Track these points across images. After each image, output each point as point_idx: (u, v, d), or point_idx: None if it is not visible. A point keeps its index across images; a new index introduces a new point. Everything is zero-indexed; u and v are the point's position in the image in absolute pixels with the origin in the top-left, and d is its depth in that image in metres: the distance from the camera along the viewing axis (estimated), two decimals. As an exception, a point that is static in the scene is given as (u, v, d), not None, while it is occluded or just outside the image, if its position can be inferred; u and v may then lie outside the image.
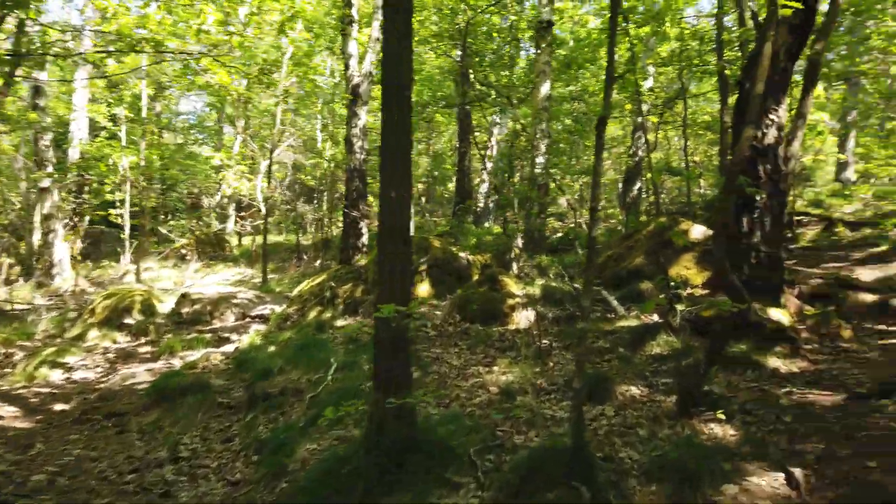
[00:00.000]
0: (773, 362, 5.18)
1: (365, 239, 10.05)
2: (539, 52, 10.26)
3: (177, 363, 7.81)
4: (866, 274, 8.49)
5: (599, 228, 16.52)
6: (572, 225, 15.42)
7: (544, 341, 6.45)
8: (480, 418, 4.56)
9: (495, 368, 5.73)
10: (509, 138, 14.95)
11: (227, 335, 9.01)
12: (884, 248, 10.09)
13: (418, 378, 5.62)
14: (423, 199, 22.65)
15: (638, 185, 15.97)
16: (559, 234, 13.50)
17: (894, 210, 15.03)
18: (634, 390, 4.89)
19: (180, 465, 4.84)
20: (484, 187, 20.79)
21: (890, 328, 6.39)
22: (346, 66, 10.05)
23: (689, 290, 7.61)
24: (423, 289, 8.57)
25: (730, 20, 13.58)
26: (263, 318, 9.58)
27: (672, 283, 7.49)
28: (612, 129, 19.21)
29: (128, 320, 9.61)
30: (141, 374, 7.30)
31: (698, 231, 8.10)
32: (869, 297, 6.78)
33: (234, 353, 7.64)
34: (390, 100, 3.86)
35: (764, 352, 5.39)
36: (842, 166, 23.19)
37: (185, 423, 5.62)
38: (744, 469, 3.40)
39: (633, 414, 4.36)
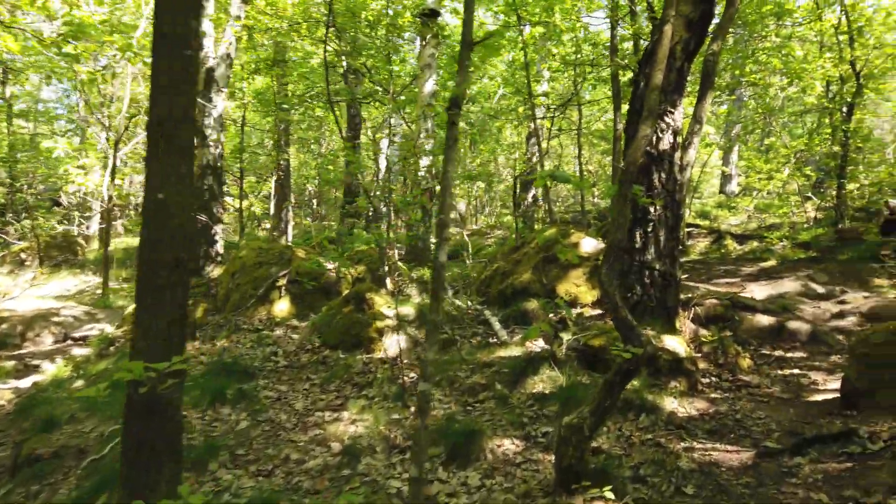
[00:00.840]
0: (670, 403, 4.40)
1: (220, 247, 8.66)
2: (424, 43, 9.30)
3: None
4: (759, 291, 8.11)
5: (491, 238, 15.78)
6: (469, 234, 14.58)
7: (411, 375, 5.42)
8: (307, 495, 3.44)
9: (345, 414, 4.62)
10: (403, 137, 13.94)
11: (37, 362, 7.34)
12: (772, 262, 9.89)
13: (243, 430, 4.42)
14: (315, 202, 21.20)
15: (532, 192, 15.40)
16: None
17: (777, 223, 15.33)
18: (509, 445, 3.95)
19: None
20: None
21: (787, 354, 5.87)
22: (199, 47, 8.66)
23: (578, 310, 6.86)
24: (282, 307, 7.32)
25: (626, 27, 13.27)
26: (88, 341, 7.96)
27: (560, 303, 6.72)
28: (507, 135, 18.65)
29: None
30: None
31: (589, 244, 7.38)
32: (765, 320, 6.27)
33: (28, 389, 6.07)
34: (163, 55, 2.68)
35: (659, 390, 4.62)
36: (726, 179, 23.95)
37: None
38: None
39: (502, 486, 3.38)
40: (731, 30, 15.03)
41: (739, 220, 17.11)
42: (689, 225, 12.72)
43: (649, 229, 5.71)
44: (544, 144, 18.10)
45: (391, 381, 5.10)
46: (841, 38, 12.40)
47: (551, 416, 4.38)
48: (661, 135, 5.77)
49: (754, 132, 20.18)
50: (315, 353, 6.23)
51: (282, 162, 12.58)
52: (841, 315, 6.94)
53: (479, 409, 4.61)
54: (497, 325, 6.30)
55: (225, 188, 17.50)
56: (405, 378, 5.36)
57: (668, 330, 5.51)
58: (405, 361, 5.95)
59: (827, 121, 13.45)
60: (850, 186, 12.53)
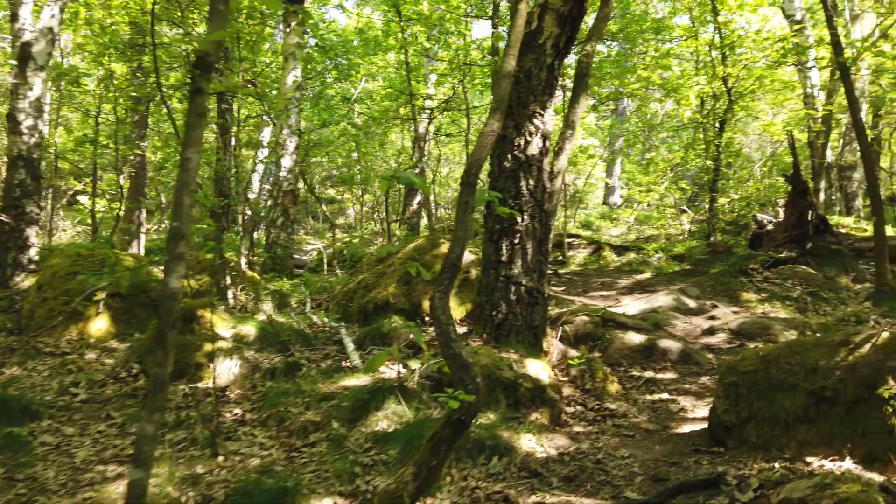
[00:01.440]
0: (527, 443, 3.83)
1: (33, 252, 7.32)
2: (288, 31, 8.42)
3: None
4: (633, 305, 7.88)
5: (374, 247, 15.02)
6: (339, 242, 13.73)
7: (236, 411, 4.56)
8: None
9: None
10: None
11: None
12: (648, 274, 9.80)
13: (-14, 498, 3.38)
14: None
15: (418, 198, 14.81)
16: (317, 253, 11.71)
17: (655, 234, 15.64)
18: (330, 506, 3.20)
19: None
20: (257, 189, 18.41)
21: (658, 375, 5.53)
22: (14, 17, 7.31)
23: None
24: (99, 325, 6.19)
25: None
26: None
27: (412, 326, 6.08)
28: (392, 138, 17.99)
29: None
30: None
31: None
32: (636, 338, 5.92)
33: None
34: None
35: (518, 425, 4.05)
36: (609, 190, 24.57)
37: None
38: None
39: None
40: (614, 43, 15.23)
41: (620, 232, 17.40)
42: (570, 235, 12.58)
43: (516, 241, 5.18)
44: (435, 150, 17.62)
45: (205, 422, 4.20)
46: (714, 54, 12.75)
47: (391, 462, 3.68)
48: (529, 138, 5.26)
49: (636, 145, 20.73)
50: (128, 382, 5.20)
51: (134, 157, 11.18)
52: (711, 331, 6.77)
53: (307, 456, 3.83)
54: (350, 347, 5.55)
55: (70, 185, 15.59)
56: (227, 415, 4.49)
57: (534, 352, 5.00)
58: (237, 392, 5.08)
59: (701, 136, 13.82)
60: (722, 200, 12.89)
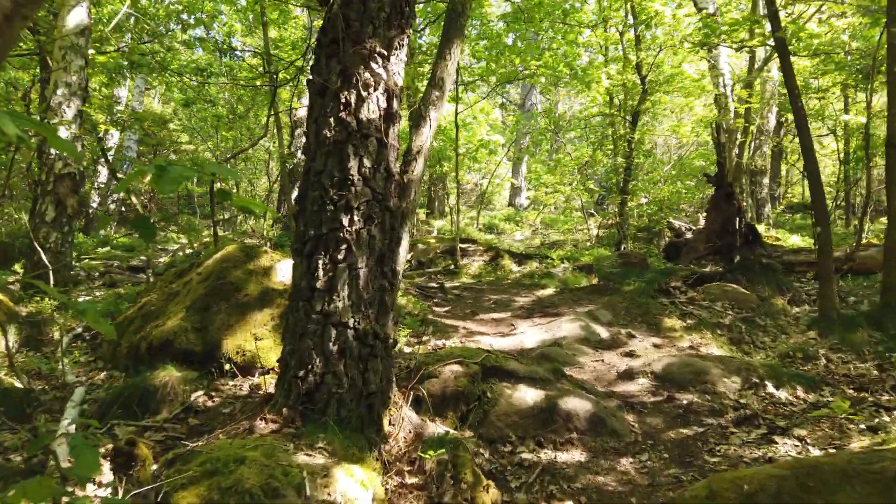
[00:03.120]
0: None
1: None
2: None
3: None
4: (531, 333, 6.12)
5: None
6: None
7: None
8: None
9: None
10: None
11: None
12: (551, 290, 8.13)
13: None
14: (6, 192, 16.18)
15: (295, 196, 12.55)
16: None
17: (561, 240, 14.15)
18: None
19: None
20: (104, 175, 15.51)
21: (560, 455, 3.73)
22: None
23: (255, 377, 4.19)
24: None
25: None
26: None
27: (216, 372, 4.04)
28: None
29: None
30: None
31: (288, 268, 4.75)
32: (530, 396, 4.09)
33: None
34: None
35: None
36: (515, 191, 23.19)
37: None
38: None
39: None
40: (522, 28, 13.61)
41: (524, 236, 15.87)
42: (465, 241, 10.79)
43: (340, 256, 3.20)
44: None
45: None
46: (626, 40, 11.36)
47: None
48: (365, 94, 3.29)
49: (543, 143, 19.37)
50: None
51: None
52: (630, 375, 5.08)
53: None
54: (62, 452, 3.22)
55: None
56: None
57: (362, 443, 3.05)
58: None
59: (610, 132, 12.46)
60: (632, 204, 11.56)
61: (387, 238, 3.38)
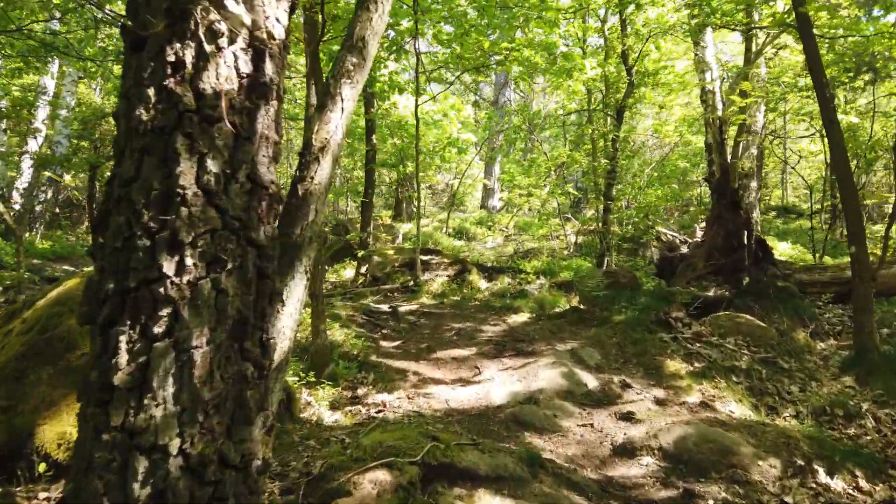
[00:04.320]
0: None
1: None
2: None
3: None
4: (500, 382, 4.81)
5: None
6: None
7: None
8: None
9: None
10: None
11: None
12: (526, 315, 6.84)
13: None
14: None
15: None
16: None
17: (536, 247, 12.87)
18: None
19: None
20: (28, 175, 13.93)
21: None
22: None
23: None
24: None
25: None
26: None
27: (26, 476, 2.63)
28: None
29: None
30: None
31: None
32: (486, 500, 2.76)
33: None
34: None
35: None
36: (488, 193, 21.94)
37: None
38: None
39: None
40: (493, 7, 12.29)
41: (496, 243, 14.56)
42: (428, 251, 9.45)
43: (158, 329, 1.83)
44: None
45: None
46: (609, 28, 10.13)
47: None
48: (209, 47, 1.93)
49: (517, 142, 18.09)
50: None
51: None
52: (629, 451, 3.78)
53: None
54: None
55: None
56: None
57: None
58: None
59: (590, 131, 11.22)
60: (617, 211, 10.34)
61: (251, 292, 2.02)
